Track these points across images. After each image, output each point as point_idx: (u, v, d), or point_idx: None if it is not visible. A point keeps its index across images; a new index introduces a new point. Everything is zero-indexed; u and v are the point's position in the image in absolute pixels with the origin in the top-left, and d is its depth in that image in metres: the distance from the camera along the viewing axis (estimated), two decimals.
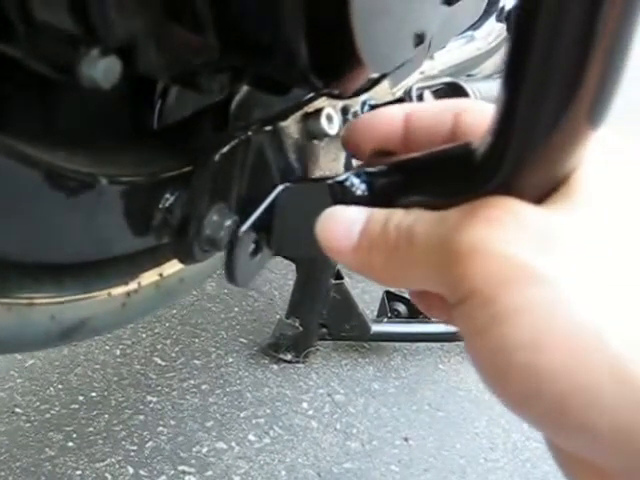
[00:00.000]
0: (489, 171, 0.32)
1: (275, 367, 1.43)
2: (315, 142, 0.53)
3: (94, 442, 1.23)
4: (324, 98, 0.54)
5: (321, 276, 1.39)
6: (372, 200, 0.40)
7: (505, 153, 0.31)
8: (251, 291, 1.63)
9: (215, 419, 1.30)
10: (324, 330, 1.46)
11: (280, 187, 0.46)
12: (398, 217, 0.34)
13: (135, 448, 1.23)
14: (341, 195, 0.41)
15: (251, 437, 1.28)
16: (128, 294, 0.58)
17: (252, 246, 0.47)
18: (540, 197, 0.32)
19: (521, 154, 0.31)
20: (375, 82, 0.56)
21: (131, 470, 1.19)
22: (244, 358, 1.44)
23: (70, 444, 1.22)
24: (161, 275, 0.61)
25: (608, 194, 0.31)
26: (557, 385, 0.27)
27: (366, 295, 1.66)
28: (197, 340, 1.47)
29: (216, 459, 1.23)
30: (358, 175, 0.41)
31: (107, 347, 1.43)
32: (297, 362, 1.44)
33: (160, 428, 1.27)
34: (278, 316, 1.49)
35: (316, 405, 1.37)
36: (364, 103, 0.59)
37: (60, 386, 1.33)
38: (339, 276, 1.42)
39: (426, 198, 0.36)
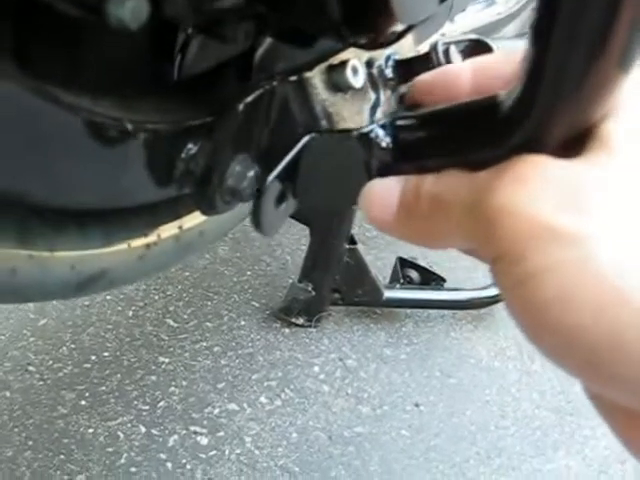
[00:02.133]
0: (516, 122, 0.32)
1: (287, 331, 1.44)
2: (340, 94, 0.52)
3: (106, 401, 1.24)
4: (350, 50, 0.54)
5: (335, 241, 1.39)
6: (397, 153, 0.40)
7: (534, 102, 0.31)
8: (264, 255, 1.62)
9: (227, 381, 1.31)
10: (336, 295, 1.46)
11: (307, 137, 0.45)
12: (429, 185, 0.35)
13: (147, 408, 1.24)
14: (367, 147, 0.41)
15: (262, 399, 1.28)
16: (148, 246, 0.58)
17: (278, 195, 0.47)
18: (570, 148, 0.32)
19: (550, 103, 0.31)
20: (400, 35, 0.55)
21: (143, 429, 1.20)
22: (256, 321, 1.44)
23: (83, 403, 1.23)
24: (181, 228, 0.60)
25: None
26: (587, 340, 0.28)
27: (379, 261, 1.66)
28: (210, 303, 1.47)
29: (227, 420, 1.23)
30: (384, 127, 0.41)
31: (119, 308, 1.43)
32: (309, 326, 1.45)
33: (172, 389, 1.28)
34: (291, 280, 1.49)
35: (327, 369, 1.37)
36: (388, 57, 0.58)
37: (73, 345, 1.34)
38: (353, 241, 1.41)
39: (451, 152, 0.36)
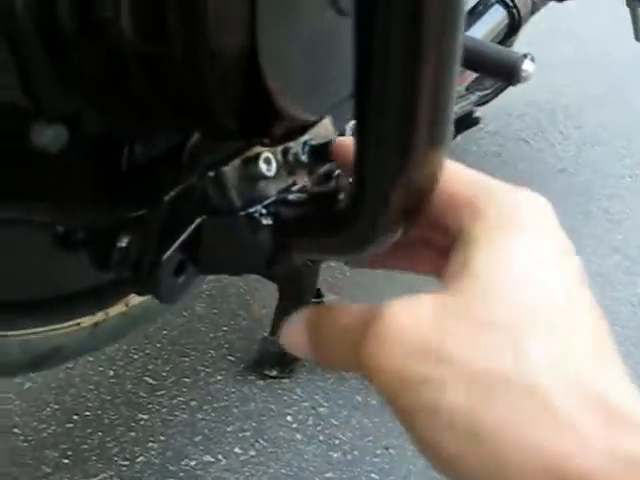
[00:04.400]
0: (346, 217, 0.38)
1: (261, 383, 1.49)
2: (255, 184, 0.59)
3: (88, 458, 1.29)
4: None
5: (301, 295, 1.44)
6: (276, 230, 0.46)
7: (358, 201, 0.37)
8: (240, 310, 1.68)
9: (203, 434, 1.36)
10: None
11: (198, 220, 0.52)
12: (328, 329, 0.41)
13: (127, 463, 1.29)
14: (251, 226, 0.48)
15: (237, 450, 1.34)
16: (96, 324, 0.64)
17: (175, 268, 0.53)
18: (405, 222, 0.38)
19: (372, 205, 0.37)
20: (312, 124, 0.62)
21: None
22: (232, 375, 1.50)
23: (65, 461, 1.29)
24: (127, 305, 0.67)
25: (493, 280, 0.35)
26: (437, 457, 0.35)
27: None
28: (187, 359, 1.53)
29: (203, 472, 1.29)
30: (267, 206, 0.47)
31: (101, 368, 1.48)
32: (282, 377, 1.50)
33: (150, 444, 1.33)
34: (265, 334, 1.54)
35: (300, 418, 1.42)
36: (305, 143, 0.65)
37: (56, 406, 1.39)
38: (319, 294, 1.47)
39: (308, 234, 0.42)
